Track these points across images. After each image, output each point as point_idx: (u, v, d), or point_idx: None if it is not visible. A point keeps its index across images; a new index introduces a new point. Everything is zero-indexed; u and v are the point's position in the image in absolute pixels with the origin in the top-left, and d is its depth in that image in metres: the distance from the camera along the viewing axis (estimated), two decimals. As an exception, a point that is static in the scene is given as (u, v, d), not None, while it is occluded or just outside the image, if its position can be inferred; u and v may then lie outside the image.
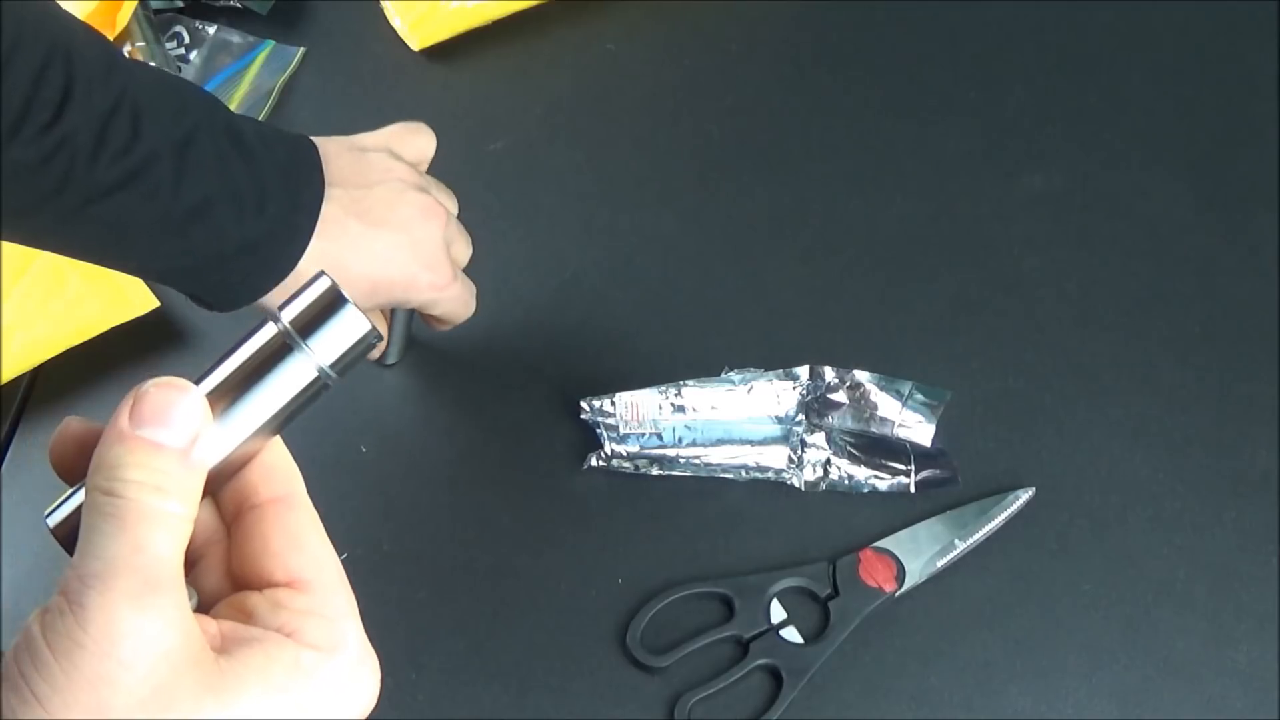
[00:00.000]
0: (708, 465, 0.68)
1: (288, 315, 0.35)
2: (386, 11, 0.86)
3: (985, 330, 0.75)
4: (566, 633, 0.65)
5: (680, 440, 0.68)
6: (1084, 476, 0.69)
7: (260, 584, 0.35)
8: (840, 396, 0.70)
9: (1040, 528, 0.68)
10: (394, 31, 0.85)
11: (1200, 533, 0.68)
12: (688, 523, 0.68)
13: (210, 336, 0.73)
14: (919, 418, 0.70)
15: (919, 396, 0.70)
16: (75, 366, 0.73)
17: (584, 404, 0.69)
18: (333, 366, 0.36)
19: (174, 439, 0.33)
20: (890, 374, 0.71)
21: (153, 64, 0.83)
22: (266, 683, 0.33)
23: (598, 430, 0.68)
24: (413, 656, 0.64)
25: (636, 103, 0.84)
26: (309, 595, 0.35)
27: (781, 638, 0.64)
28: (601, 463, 0.68)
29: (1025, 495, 0.68)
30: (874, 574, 0.65)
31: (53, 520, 0.35)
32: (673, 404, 0.69)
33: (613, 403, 0.69)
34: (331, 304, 0.35)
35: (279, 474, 0.37)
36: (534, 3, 0.87)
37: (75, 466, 0.36)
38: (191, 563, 0.37)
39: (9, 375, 0.72)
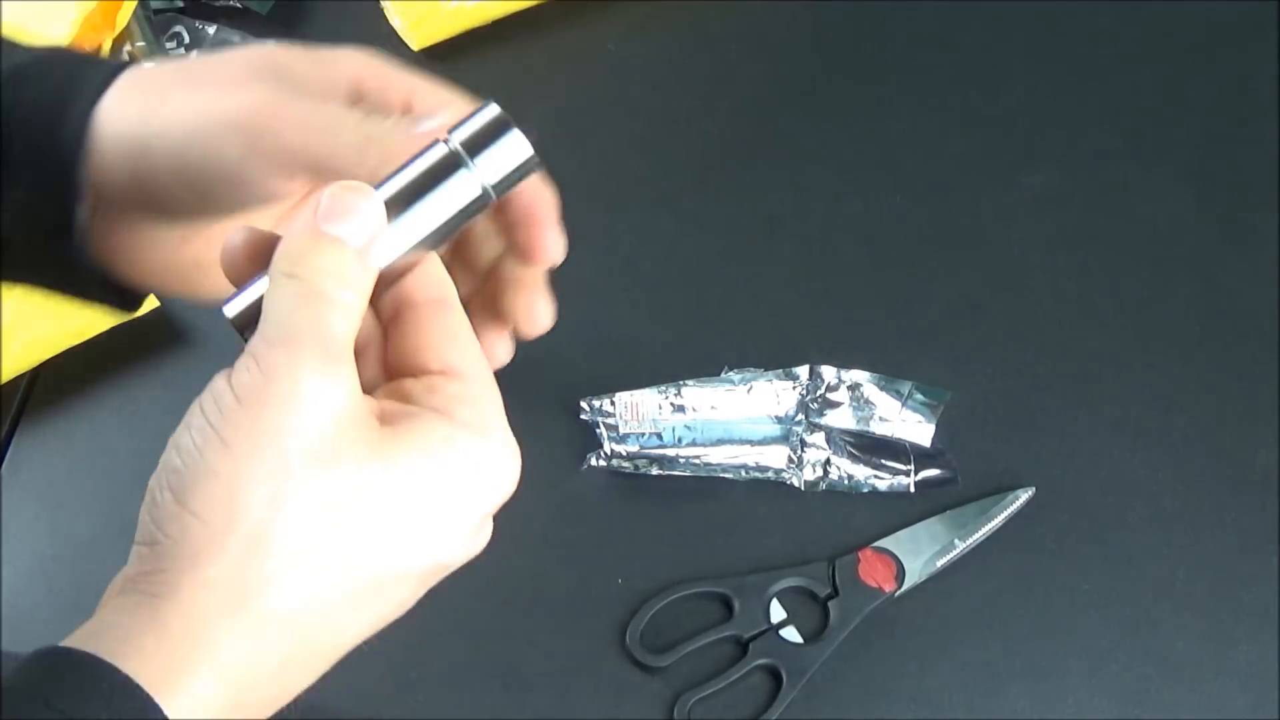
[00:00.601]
0: (708, 465, 0.68)
1: (457, 136, 0.38)
2: (386, 11, 0.86)
3: (985, 330, 0.75)
4: (566, 633, 0.65)
5: (680, 440, 0.68)
6: (1084, 476, 0.69)
7: (416, 374, 0.38)
8: (840, 396, 0.70)
9: (1040, 528, 0.68)
10: (394, 31, 0.85)
11: (1200, 533, 0.68)
12: (688, 523, 0.68)
13: (211, 336, 0.74)
14: (919, 418, 0.70)
15: (919, 396, 0.70)
16: (75, 366, 0.73)
17: (584, 404, 0.69)
18: (495, 186, 0.38)
19: (354, 237, 0.36)
20: (890, 374, 0.71)
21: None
22: (423, 451, 0.35)
23: (598, 430, 0.68)
24: (413, 656, 0.64)
25: (636, 103, 0.84)
26: (461, 383, 0.37)
27: (781, 638, 0.64)
28: (601, 463, 0.68)
29: (1025, 495, 0.68)
30: (874, 574, 0.65)
31: (230, 309, 0.37)
32: (673, 404, 0.69)
33: (613, 403, 0.69)
34: (498, 127, 0.38)
35: (434, 280, 0.39)
36: (534, 2, 0.87)
37: (244, 271, 0.38)
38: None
39: (9, 375, 0.72)
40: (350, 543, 0.34)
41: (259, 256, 0.37)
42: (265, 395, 0.33)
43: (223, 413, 0.33)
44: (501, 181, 0.38)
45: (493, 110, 0.39)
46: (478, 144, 0.38)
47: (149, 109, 0.40)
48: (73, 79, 0.41)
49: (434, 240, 0.38)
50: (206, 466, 0.33)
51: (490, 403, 0.38)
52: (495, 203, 0.38)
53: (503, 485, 0.38)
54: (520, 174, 0.39)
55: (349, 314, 0.35)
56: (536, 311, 0.43)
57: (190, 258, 0.43)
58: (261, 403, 0.33)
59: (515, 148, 0.38)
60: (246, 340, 0.36)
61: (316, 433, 0.34)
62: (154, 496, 0.34)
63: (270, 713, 0.34)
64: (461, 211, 0.38)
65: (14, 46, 0.43)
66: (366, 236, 0.36)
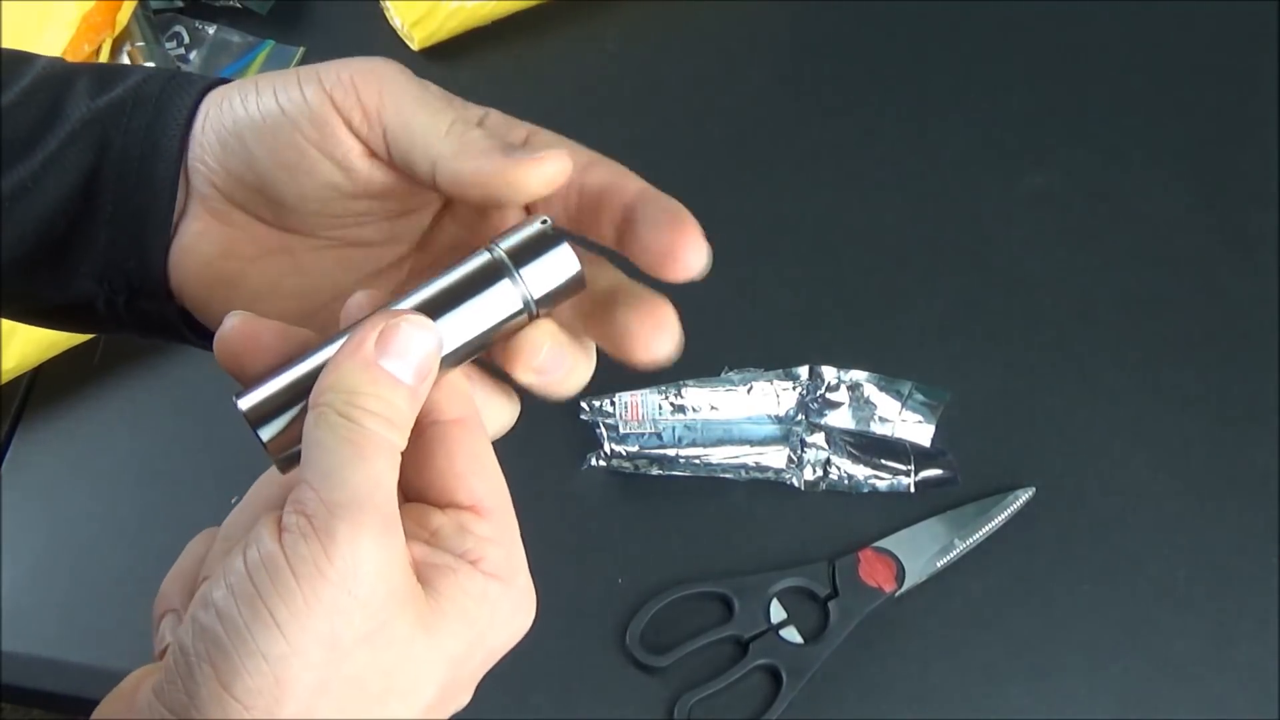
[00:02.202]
0: (708, 465, 0.68)
1: (504, 244, 0.36)
2: (386, 11, 0.86)
3: (985, 330, 0.75)
4: (566, 633, 0.65)
5: (680, 440, 0.68)
6: (1084, 476, 0.69)
7: (441, 502, 0.36)
8: (840, 396, 0.70)
9: (1040, 528, 0.68)
10: (394, 31, 0.85)
11: (1200, 533, 0.68)
12: (688, 523, 0.68)
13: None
14: (919, 418, 0.70)
15: (919, 396, 0.70)
16: (75, 366, 0.73)
17: (584, 404, 0.69)
18: (539, 301, 0.36)
19: (410, 377, 0.34)
20: (890, 374, 0.71)
21: (152, 64, 0.84)
22: (463, 618, 0.34)
23: (598, 430, 0.68)
24: (413, 656, 0.64)
25: (636, 103, 0.84)
26: (490, 522, 0.36)
27: (781, 638, 0.64)
28: (601, 463, 0.68)
29: (1025, 495, 0.68)
30: (874, 574, 0.65)
31: (246, 404, 0.34)
32: (673, 404, 0.69)
33: (613, 403, 0.69)
34: (546, 240, 0.36)
35: (460, 395, 0.37)
36: (534, 3, 0.87)
37: (251, 363, 0.36)
38: None
39: (9, 375, 0.72)
40: (386, 713, 0.33)
41: (272, 348, 0.35)
42: (324, 572, 0.31)
43: (275, 585, 0.31)
44: (546, 296, 0.36)
45: (541, 220, 0.37)
46: (524, 253, 0.36)
47: (246, 91, 0.39)
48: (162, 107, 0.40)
49: (466, 352, 0.36)
50: (254, 649, 0.30)
51: (515, 543, 0.37)
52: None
53: (521, 631, 0.38)
54: (566, 290, 0.37)
55: (397, 463, 0.33)
56: (656, 338, 0.40)
57: (265, 279, 0.41)
58: (319, 580, 0.31)
59: (563, 261, 0.36)
60: (258, 432, 0.34)
61: (371, 613, 0.32)
62: (190, 665, 0.31)
63: None
64: (501, 323, 0.36)
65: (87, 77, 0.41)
66: (422, 376, 0.34)
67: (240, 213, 0.40)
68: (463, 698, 0.37)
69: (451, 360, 0.36)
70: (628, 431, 0.68)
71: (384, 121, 0.38)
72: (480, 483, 0.36)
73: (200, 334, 0.42)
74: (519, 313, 0.36)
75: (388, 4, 0.85)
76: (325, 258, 0.41)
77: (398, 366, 0.33)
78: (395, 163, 0.39)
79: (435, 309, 0.35)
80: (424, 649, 0.33)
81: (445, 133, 0.38)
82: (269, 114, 0.38)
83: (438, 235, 0.42)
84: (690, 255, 0.39)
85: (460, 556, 0.35)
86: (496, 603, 0.35)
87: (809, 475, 0.68)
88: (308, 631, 0.31)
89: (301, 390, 0.34)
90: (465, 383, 0.38)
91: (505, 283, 0.35)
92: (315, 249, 0.41)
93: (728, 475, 0.69)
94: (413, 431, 0.35)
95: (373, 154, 0.39)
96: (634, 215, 0.39)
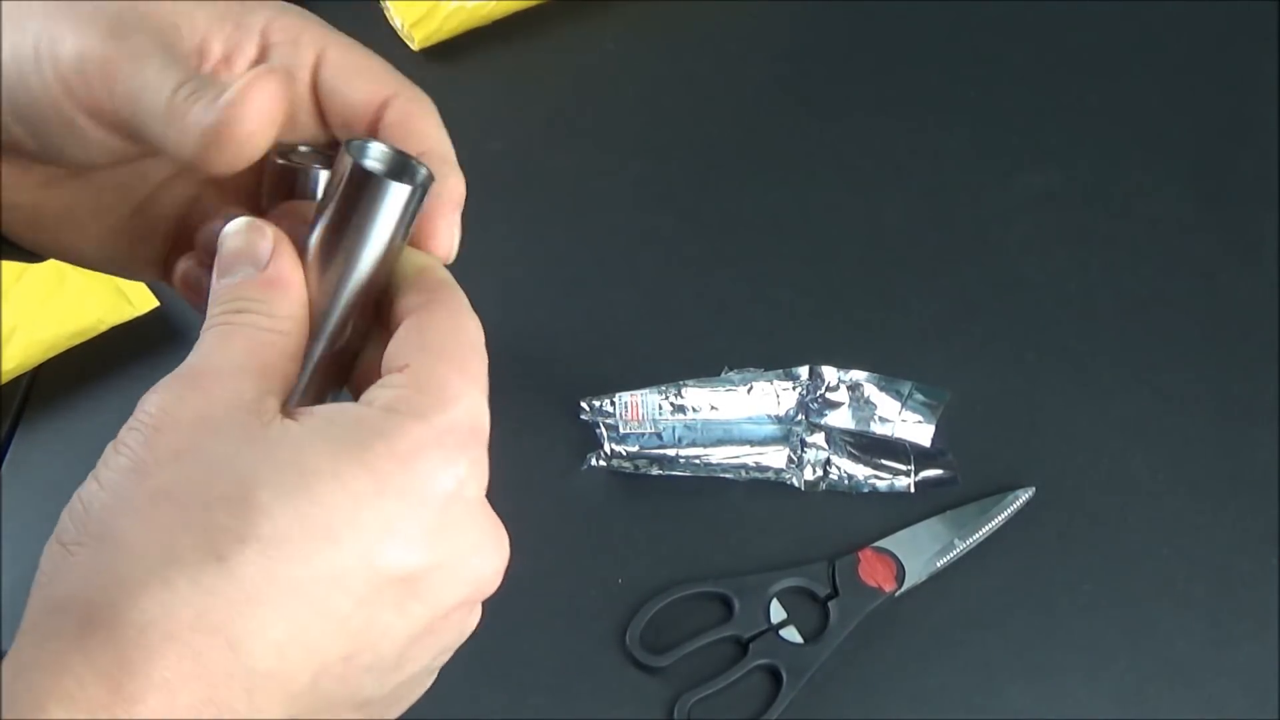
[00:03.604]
0: (708, 465, 0.68)
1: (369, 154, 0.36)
2: (386, 11, 0.86)
3: (985, 330, 0.75)
4: (566, 633, 0.65)
5: (680, 440, 0.68)
6: (1084, 476, 0.69)
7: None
8: (840, 396, 0.70)
9: (1040, 528, 0.68)
10: (394, 31, 0.85)
11: (1200, 533, 0.68)
12: (688, 523, 0.68)
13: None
14: (918, 418, 0.70)
15: (919, 396, 0.70)
16: (75, 366, 0.73)
17: (584, 404, 0.69)
18: (421, 184, 0.36)
19: (249, 272, 0.34)
20: (890, 374, 0.71)
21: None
22: (317, 434, 0.31)
23: (598, 430, 0.68)
24: (413, 656, 0.64)
25: (636, 103, 0.84)
26: (408, 373, 0.33)
27: (781, 638, 0.64)
28: (601, 463, 0.68)
29: (1025, 495, 0.68)
30: (874, 574, 0.65)
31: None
32: (673, 404, 0.69)
33: (613, 403, 0.69)
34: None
35: (424, 283, 0.37)
36: (534, 2, 0.87)
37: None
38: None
39: (9, 375, 0.72)
40: (222, 534, 0.30)
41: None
42: (136, 416, 0.32)
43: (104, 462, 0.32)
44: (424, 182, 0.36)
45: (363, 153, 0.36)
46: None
47: None
48: None
49: (379, 253, 0.36)
50: (75, 497, 0.32)
51: (442, 380, 0.33)
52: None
53: (448, 471, 0.32)
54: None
55: (265, 339, 0.34)
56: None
57: (59, 206, 0.40)
58: (129, 433, 0.32)
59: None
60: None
61: (175, 434, 0.31)
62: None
63: None
64: (403, 221, 0.36)
65: None
66: (260, 264, 0.35)
67: (17, 156, 0.38)
68: (410, 541, 0.32)
69: (376, 261, 0.36)
70: (628, 431, 0.68)
71: (115, 106, 0.35)
72: (414, 350, 0.34)
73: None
74: (412, 195, 0.35)
75: (387, 4, 0.85)
76: (117, 173, 0.40)
77: (234, 277, 0.35)
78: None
79: (335, 227, 0.35)
80: (249, 457, 0.31)
81: (154, 114, 0.35)
82: (12, 86, 0.35)
83: None
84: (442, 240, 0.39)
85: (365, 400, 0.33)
86: (379, 427, 0.32)
87: (809, 475, 0.68)
88: (107, 466, 0.32)
89: None
90: (428, 270, 0.37)
91: (394, 185, 0.35)
92: (104, 170, 0.39)
93: (728, 475, 0.69)
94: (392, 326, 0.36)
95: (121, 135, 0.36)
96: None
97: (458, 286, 0.37)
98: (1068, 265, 0.77)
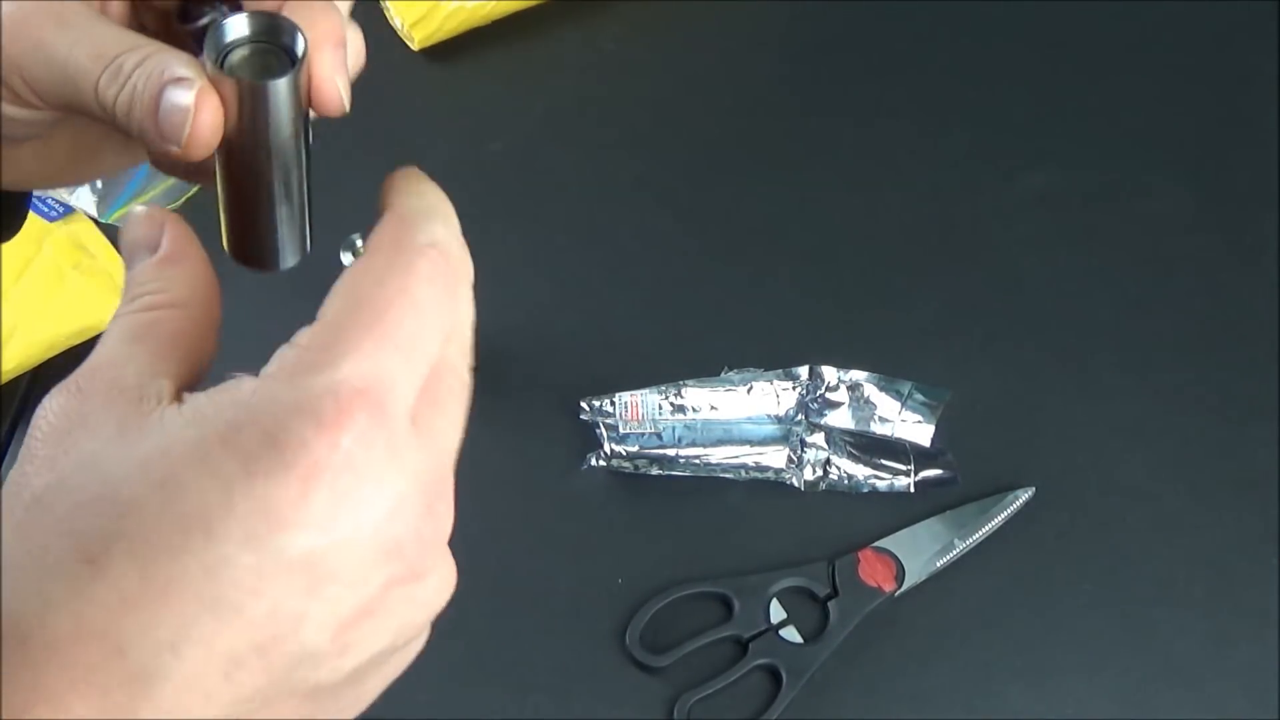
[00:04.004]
0: (708, 465, 0.68)
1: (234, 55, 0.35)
2: (386, 12, 0.86)
3: (985, 330, 0.75)
4: (566, 633, 0.65)
5: (680, 440, 0.68)
6: (1084, 476, 0.69)
7: None
8: (840, 396, 0.70)
9: (1040, 528, 0.68)
10: (394, 31, 0.85)
11: (1200, 533, 0.68)
12: (688, 523, 0.68)
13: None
14: (918, 417, 0.70)
15: (919, 396, 0.70)
16: (75, 366, 0.73)
17: (584, 404, 0.69)
18: (300, 62, 0.35)
19: (144, 257, 0.34)
20: (890, 374, 0.71)
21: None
22: (182, 420, 0.30)
23: (598, 430, 0.68)
24: (413, 656, 0.64)
25: (636, 103, 0.84)
26: (313, 329, 0.31)
27: (781, 638, 0.64)
28: (601, 463, 0.68)
29: (1025, 495, 0.68)
30: (874, 574, 0.65)
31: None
32: (672, 404, 0.69)
33: (613, 403, 0.69)
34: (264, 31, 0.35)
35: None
36: (534, 2, 0.87)
37: None
38: None
39: (9, 375, 0.72)
40: (91, 537, 0.29)
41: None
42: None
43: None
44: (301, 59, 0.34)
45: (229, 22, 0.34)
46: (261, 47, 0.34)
47: None
48: None
49: (285, 136, 0.35)
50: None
51: (337, 331, 0.31)
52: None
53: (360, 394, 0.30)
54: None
55: (135, 321, 0.33)
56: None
57: None
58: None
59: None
60: None
61: (45, 440, 0.31)
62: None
63: None
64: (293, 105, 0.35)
65: None
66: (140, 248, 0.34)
67: None
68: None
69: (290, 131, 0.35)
70: (628, 431, 0.68)
71: (42, 95, 0.35)
72: (334, 298, 0.32)
73: None
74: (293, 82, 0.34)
75: (388, 4, 0.85)
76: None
77: (139, 258, 0.34)
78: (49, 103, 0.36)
79: (236, 129, 0.34)
80: (114, 450, 0.30)
81: (88, 81, 0.34)
82: None
83: None
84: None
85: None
86: (267, 396, 0.30)
87: (809, 475, 0.68)
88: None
89: None
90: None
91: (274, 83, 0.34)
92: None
93: (728, 475, 0.69)
94: None
95: (18, 99, 0.35)
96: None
97: (421, 210, 0.35)
98: (1068, 265, 0.77)
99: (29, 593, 0.28)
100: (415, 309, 0.32)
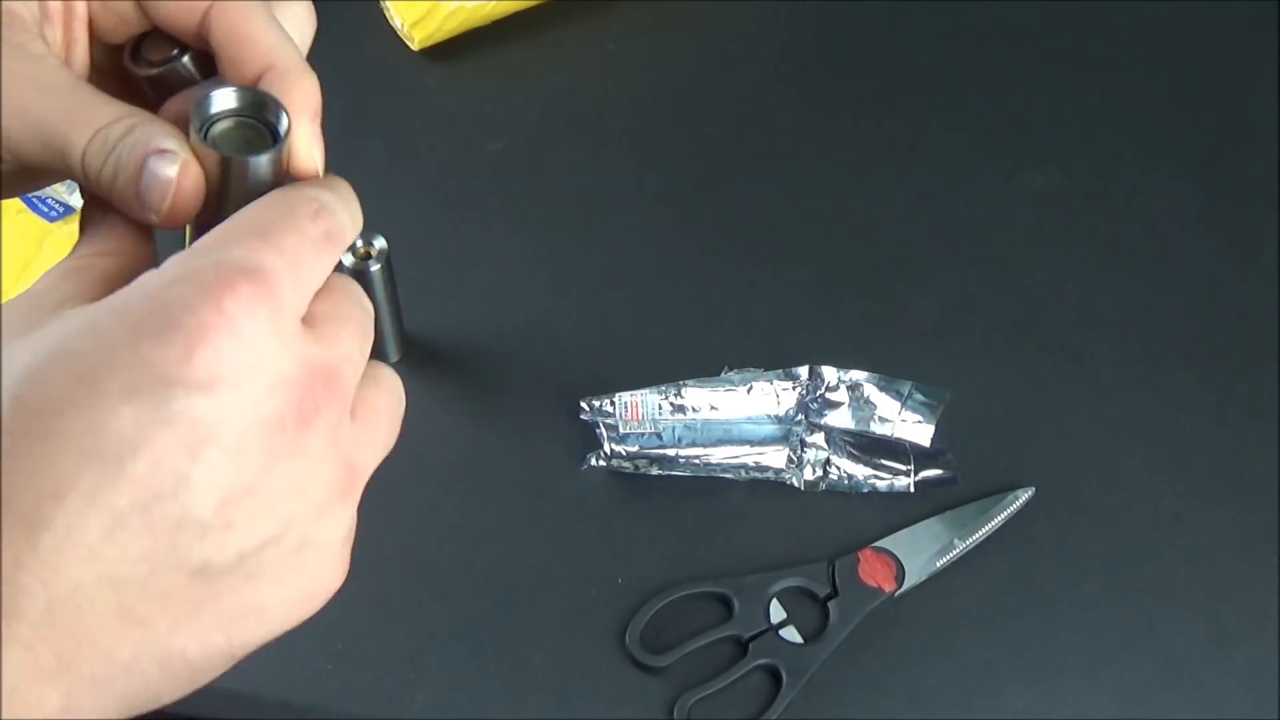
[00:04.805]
0: (708, 465, 0.68)
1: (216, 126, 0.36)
2: (386, 12, 0.86)
3: (985, 330, 0.75)
4: (566, 633, 0.65)
5: (680, 440, 0.68)
6: (1084, 476, 0.69)
7: None
8: (840, 396, 0.70)
9: (1040, 528, 0.68)
10: (394, 31, 0.85)
11: (1200, 533, 0.68)
12: (688, 523, 0.68)
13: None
14: (918, 418, 0.70)
15: (919, 396, 0.70)
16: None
17: (584, 404, 0.69)
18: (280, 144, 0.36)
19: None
20: (890, 374, 0.71)
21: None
22: (92, 306, 0.32)
23: (598, 430, 0.68)
24: (413, 656, 0.64)
25: (636, 103, 0.84)
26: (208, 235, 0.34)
27: (781, 638, 0.64)
28: (601, 463, 0.68)
29: (1025, 495, 0.68)
30: (874, 574, 0.65)
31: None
32: (672, 404, 0.69)
33: (613, 403, 0.69)
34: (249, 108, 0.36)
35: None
36: (534, 2, 0.87)
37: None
38: None
39: (9, 375, 0.72)
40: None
41: None
42: None
43: None
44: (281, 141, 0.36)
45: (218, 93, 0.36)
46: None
47: None
48: None
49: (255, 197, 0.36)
50: None
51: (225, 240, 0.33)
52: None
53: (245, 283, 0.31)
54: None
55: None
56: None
57: None
58: None
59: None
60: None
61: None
62: None
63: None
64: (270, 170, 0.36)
65: None
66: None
67: None
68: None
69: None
70: (627, 431, 0.68)
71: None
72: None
73: None
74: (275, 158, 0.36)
75: (387, 4, 0.85)
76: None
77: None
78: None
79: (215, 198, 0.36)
80: (27, 331, 0.31)
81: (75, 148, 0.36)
82: None
83: None
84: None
85: None
86: (156, 272, 0.32)
87: (809, 475, 0.68)
88: None
89: None
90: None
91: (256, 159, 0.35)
92: None
93: (728, 475, 0.69)
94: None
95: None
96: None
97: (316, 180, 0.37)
98: (1068, 265, 0.77)
99: None
100: (299, 233, 0.34)
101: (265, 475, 0.31)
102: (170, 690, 0.32)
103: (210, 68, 0.39)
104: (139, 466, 0.29)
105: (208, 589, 0.31)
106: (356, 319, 0.36)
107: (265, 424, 0.31)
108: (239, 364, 0.31)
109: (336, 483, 0.34)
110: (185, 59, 0.39)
